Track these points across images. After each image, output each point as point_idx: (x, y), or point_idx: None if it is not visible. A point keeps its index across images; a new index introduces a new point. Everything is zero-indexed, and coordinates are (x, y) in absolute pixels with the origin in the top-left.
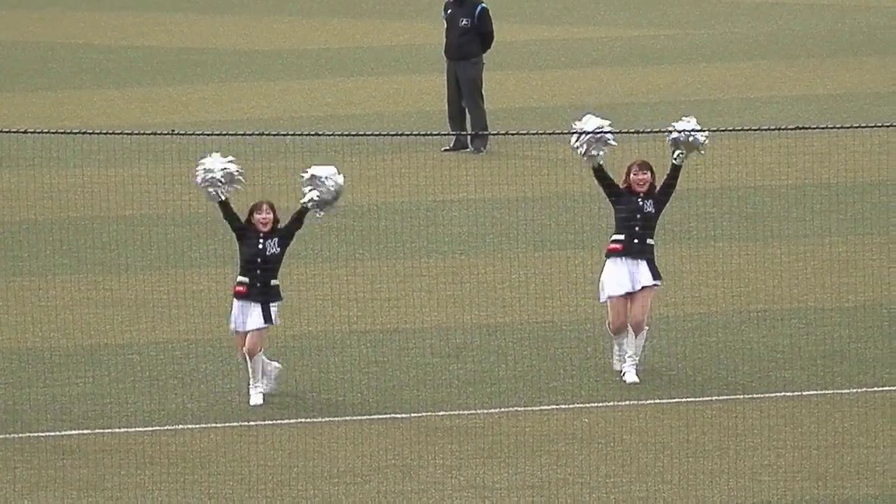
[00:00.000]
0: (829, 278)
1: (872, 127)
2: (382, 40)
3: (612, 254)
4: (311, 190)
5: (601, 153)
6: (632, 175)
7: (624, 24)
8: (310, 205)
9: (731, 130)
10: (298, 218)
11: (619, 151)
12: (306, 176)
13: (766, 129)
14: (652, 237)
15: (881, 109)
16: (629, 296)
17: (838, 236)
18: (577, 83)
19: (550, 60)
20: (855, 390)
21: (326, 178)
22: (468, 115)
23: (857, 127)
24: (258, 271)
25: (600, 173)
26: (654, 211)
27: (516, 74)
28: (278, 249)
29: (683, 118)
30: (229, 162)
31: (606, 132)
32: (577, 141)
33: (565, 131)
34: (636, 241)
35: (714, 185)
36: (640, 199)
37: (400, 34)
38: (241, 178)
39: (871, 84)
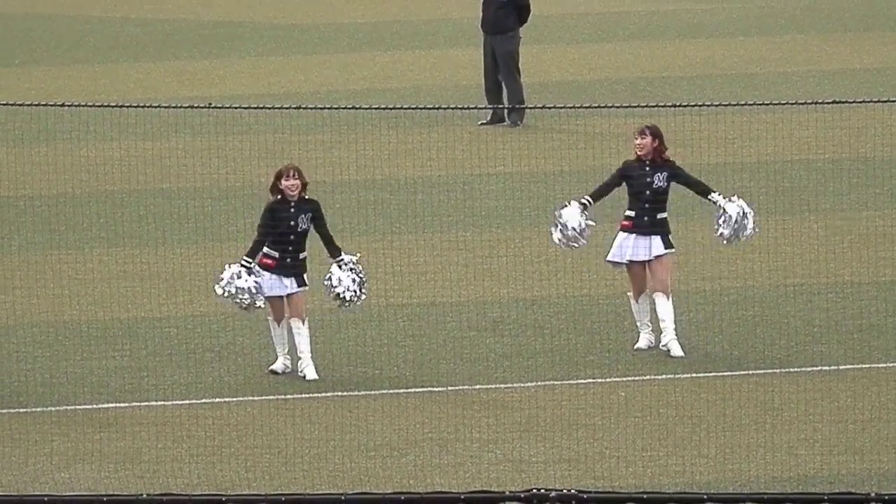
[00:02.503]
0: (865, 252)
1: None
2: (419, 14)
3: (623, 230)
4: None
5: (581, 243)
6: (635, 142)
7: None
8: (337, 302)
9: (767, 104)
10: (327, 242)
11: (652, 123)
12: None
13: (802, 104)
14: (664, 211)
15: None
16: (649, 262)
17: (875, 210)
18: (614, 57)
19: (587, 34)
20: (892, 364)
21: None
22: (505, 89)
23: (894, 101)
24: (290, 247)
25: (597, 198)
26: (665, 185)
27: (553, 48)
28: (309, 225)
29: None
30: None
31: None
32: (557, 237)
33: (602, 105)
34: (646, 217)
35: (751, 159)
36: (649, 172)
37: (437, 8)
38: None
39: None
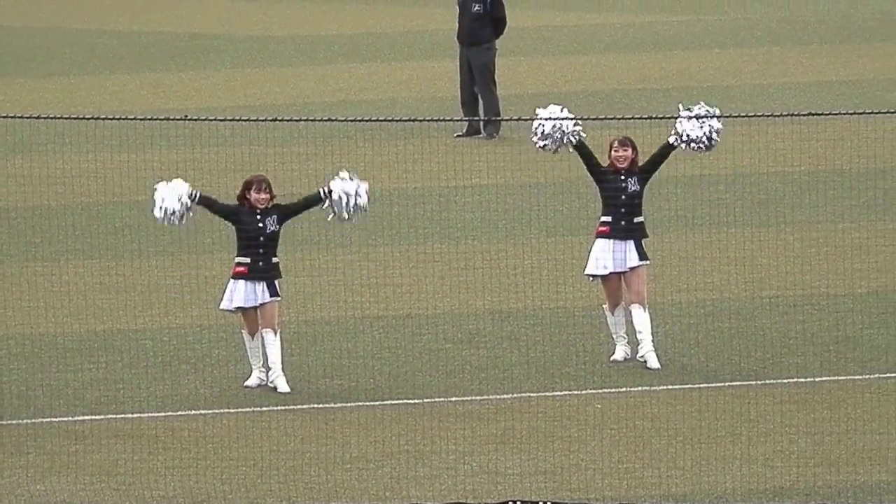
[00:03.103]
0: (841, 264)
1: (885, 113)
2: (395, 26)
3: (600, 235)
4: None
5: (573, 140)
6: (613, 152)
7: (636, 9)
8: (325, 205)
9: (743, 116)
10: (305, 206)
11: (627, 135)
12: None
13: (778, 116)
14: (640, 215)
15: (894, 95)
16: (624, 274)
17: (851, 222)
18: (590, 69)
19: (563, 46)
20: (867, 376)
21: (351, 195)
22: (481, 101)
23: (869, 113)
24: (260, 250)
25: (582, 150)
26: (639, 188)
27: (529, 60)
28: (277, 227)
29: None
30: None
31: (563, 120)
32: (539, 138)
33: (578, 117)
34: (623, 221)
35: (727, 171)
36: (622, 178)
37: (413, 20)
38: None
39: (884, 70)
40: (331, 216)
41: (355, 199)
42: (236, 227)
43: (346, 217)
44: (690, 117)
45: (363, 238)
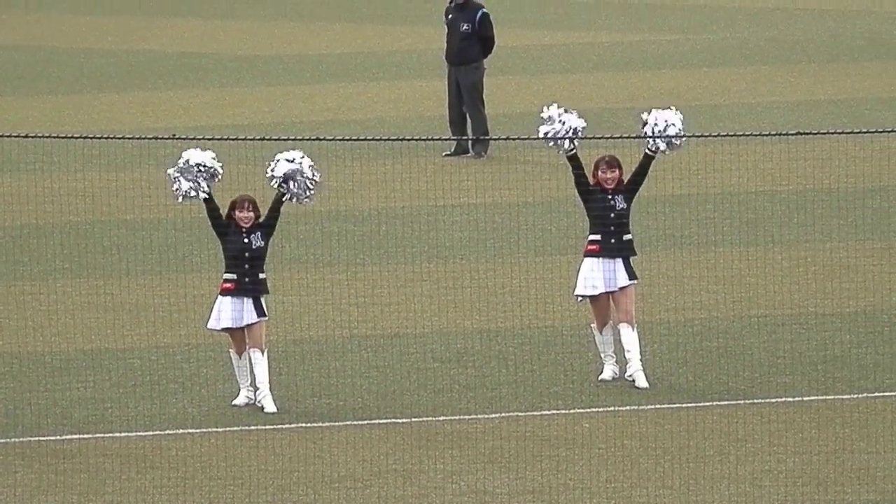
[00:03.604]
0: (829, 284)
1: (873, 132)
2: (383, 45)
3: (589, 254)
4: (285, 180)
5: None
6: (600, 173)
7: (625, 28)
8: (287, 197)
9: (731, 136)
10: (276, 207)
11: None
12: (277, 170)
13: (767, 135)
14: (628, 232)
15: (882, 115)
16: (612, 294)
17: (839, 242)
18: (578, 88)
19: (551, 65)
20: (855, 396)
21: (291, 176)
22: (469, 120)
23: (858, 133)
24: (246, 266)
25: (575, 162)
26: (626, 206)
27: (517, 79)
28: (263, 242)
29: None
30: (211, 158)
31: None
32: (547, 123)
33: (566, 136)
34: (612, 239)
35: (715, 189)
36: (610, 196)
37: (401, 39)
38: (219, 172)
39: (873, 89)
40: (293, 199)
41: (306, 180)
42: (223, 244)
43: (308, 199)
44: (653, 136)
45: (351, 257)
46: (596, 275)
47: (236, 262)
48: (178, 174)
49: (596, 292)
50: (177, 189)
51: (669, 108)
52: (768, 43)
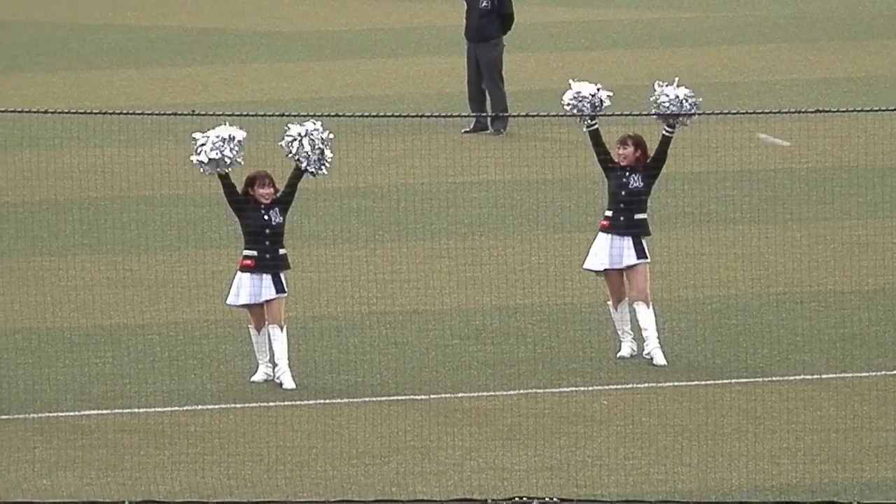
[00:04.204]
0: (848, 261)
1: (892, 110)
2: (403, 22)
3: (601, 230)
4: (298, 149)
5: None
6: (615, 150)
7: (644, 6)
8: (303, 165)
9: (750, 113)
10: (293, 183)
11: (634, 131)
12: (289, 139)
13: (786, 112)
14: (641, 212)
15: None
16: (625, 271)
17: (858, 219)
18: (597, 65)
19: (570, 42)
20: (874, 373)
21: (304, 135)
22: (488, 97)
23: (877, 110)
24: (267, 242)
25: (595, 137)
26: (641, 185)
27: (536, 56)
28: (281, 218)
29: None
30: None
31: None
32: (574, 99)
33: (585, 113)
34: (622, 217)
35: (734, 167)
36: (626, 174)
37: (420, 16)
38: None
39: (892, 67)
40: (304, 164)
41: (319, 142)
42: (241, 221)
43: (322, 168)
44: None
45: (370, 234)
46: (603, 251)
47: (257, 238)
48: (210, 144)
49: (600, 268)
50: (202, 156)
51: (674, 82)
52: (787, 20)
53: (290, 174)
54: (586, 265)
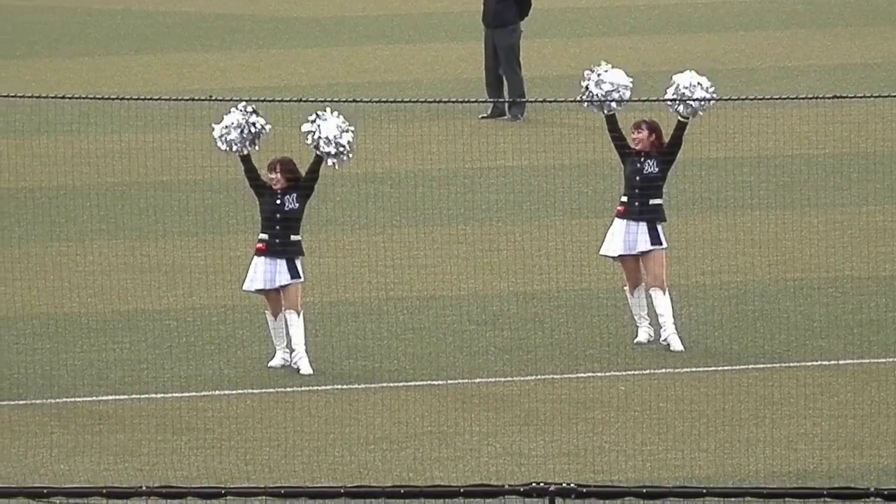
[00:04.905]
0: (865, 247)
1: None
2: (420, 7)
3: (617, 215)
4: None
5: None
6: (629, 135)
7: None
8: (321, 153)
9: (767, 99)
10: (313, 170)
11: (651, 117)
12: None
13: (803, 98)
14: (656, 197)
15: None
16: (641, 256)
17: (875, 205)
18: (615, 51)
19: (588, 28)
20: (891, 359)
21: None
22: (505, 83)
23: (894, 96)
24: (277, 227)
25: (612, 122)
26: (656, 171)
27: (554, 42)
28: (297, 205)
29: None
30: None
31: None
32: (594, 85)
33: (603, 99)
34: (637, 202)
35: (751, 153)
36: (640, 159)
37: (438, 1)
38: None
39: None
40: (320, 147)
41: (339, 145)
42: (259, 204)
43: (346, 160)
44: (680, 100)
45: (387, 219)
46: (618, 237)
47: (269, 222)
48: (233, 124)
49: (615, 254)
50: (226, 134)
51: (690, 71)
52: (805, 6)
53: (312, 160)
54: (602, 251)
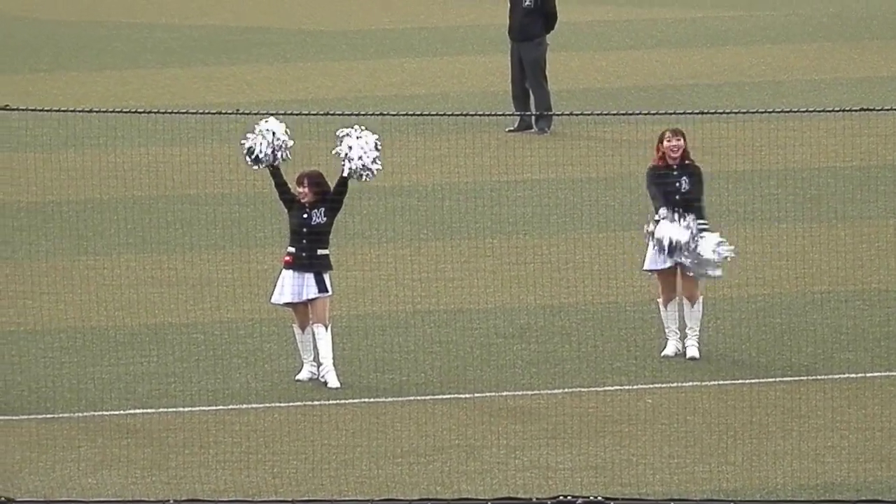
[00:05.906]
0: (893, 260)
1: None
2: (447, 20)
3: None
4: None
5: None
6: (665, 142)
7: (687, 5)
8: (346, 173)
9: (794, 112)
10: (341, 183)
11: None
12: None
13: (830, 111)
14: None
15: None
16: (677, 269)
17: None
18: (641, 64)
19: (614, 41)
20: None
21: (351, 145)
22: (532, 96)
23: None
24: (304, 241)
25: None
26: (690, 187)
27: (580, 55)
28: (325, 219)
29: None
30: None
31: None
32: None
33: (630, 112)
34: (676, 216)
35: (778, 166)
36: (676, 177)
37: (464, 14)
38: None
39: None
40: (348, 162)
41: (367, 162)
42: (288, 217)
43: (373, 175)
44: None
45: (414, 232)
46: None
47: (296, 236)
48: (261, 136)
49: (666, 265)
50: (252, 145)
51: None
52: (831, 19)
53: (336, 182)
54: (645, 267)
